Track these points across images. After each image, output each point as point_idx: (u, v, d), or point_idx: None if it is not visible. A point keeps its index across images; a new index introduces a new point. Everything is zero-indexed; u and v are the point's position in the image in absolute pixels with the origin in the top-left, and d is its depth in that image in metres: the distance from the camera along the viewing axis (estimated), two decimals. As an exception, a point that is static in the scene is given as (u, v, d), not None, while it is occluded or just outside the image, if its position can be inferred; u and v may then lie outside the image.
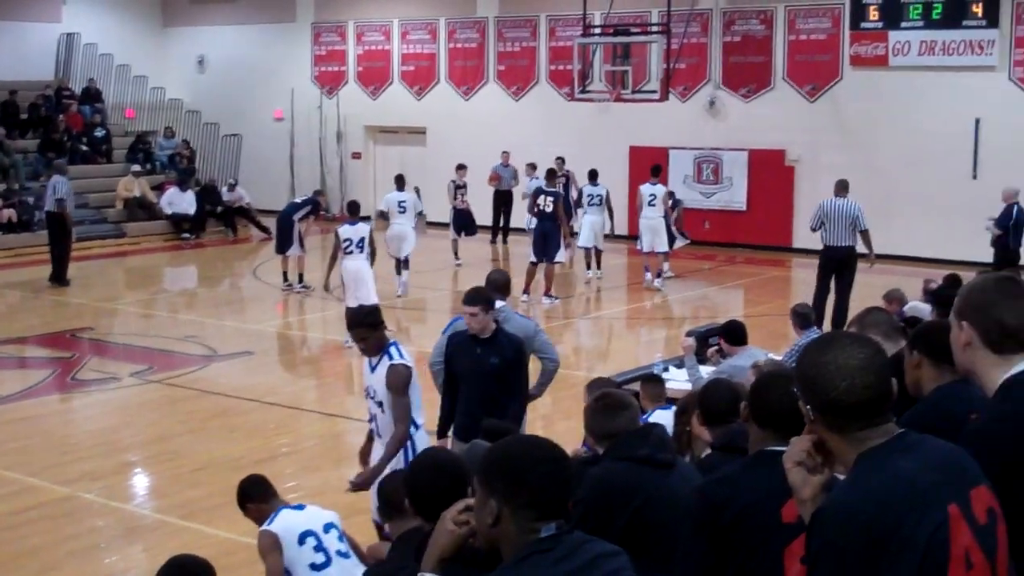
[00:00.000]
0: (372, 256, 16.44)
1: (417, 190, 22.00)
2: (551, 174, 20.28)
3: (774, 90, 25.78)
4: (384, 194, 21.48)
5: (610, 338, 18.00)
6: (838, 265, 16.50)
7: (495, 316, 8.35)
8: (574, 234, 22.03)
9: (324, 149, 31.78)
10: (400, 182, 20.55)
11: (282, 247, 20.47)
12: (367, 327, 7.73)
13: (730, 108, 26.22)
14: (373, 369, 7.78)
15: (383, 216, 20.58)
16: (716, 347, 10.71)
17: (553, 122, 27.88)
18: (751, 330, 10.74)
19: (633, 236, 23.13)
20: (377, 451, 7.87)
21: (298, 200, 21.58)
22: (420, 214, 20.94)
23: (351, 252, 16.25)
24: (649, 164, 22.66)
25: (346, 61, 31.65)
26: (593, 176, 22.42)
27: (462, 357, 8.27)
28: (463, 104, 29.63)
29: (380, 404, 7.76)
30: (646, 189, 21.49)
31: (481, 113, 29.13)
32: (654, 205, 21.25)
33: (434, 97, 30.15)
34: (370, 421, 8.01)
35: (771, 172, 25.58)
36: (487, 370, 8.14)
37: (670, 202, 21.59)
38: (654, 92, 24.06)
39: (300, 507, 6.61)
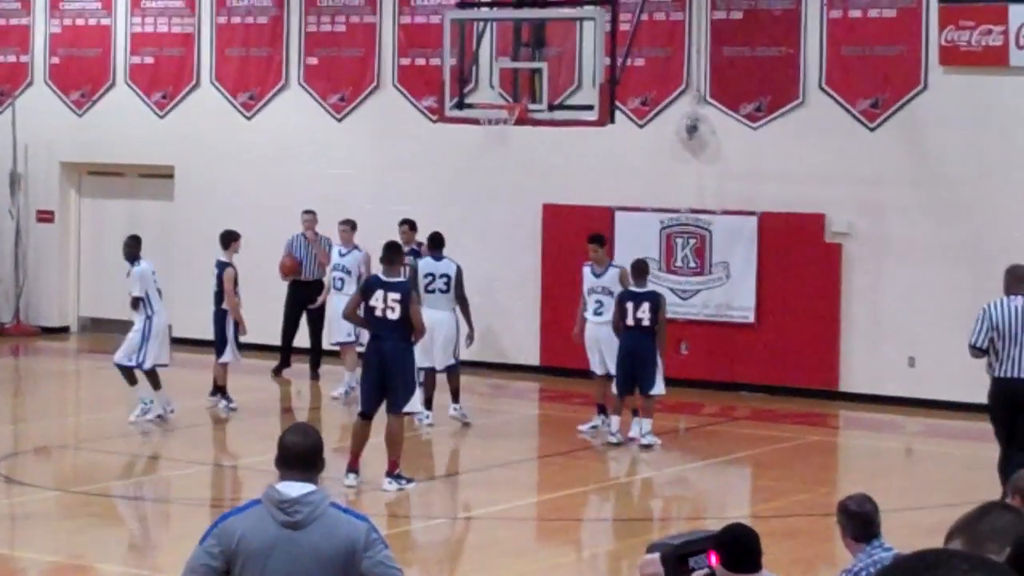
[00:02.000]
0: None
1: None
2: (392, 253, 20.02)
3: (804, 107, 26.18)
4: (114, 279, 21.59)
5: (506, 555, 17.81)
6: (1014, 407, 17.31)
7: (302, 512, 8.74)
8: None
9: (-14, 203, 31.80)
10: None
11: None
12: None
13: (726, 138, 26.57)
14: None
15: (137, 305, 22.63)
16: (705, 573, 10.58)
17: (405, 158, 28.09)
18: (768, 543, 10.48)
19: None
20: None
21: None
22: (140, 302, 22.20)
23: None
24: (583, 232, 23.34)
25: (29, 46, 31.78)
26: (436, 243, 23.04)
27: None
28: (243, 124, 29.88)
29: None
30: (591, 274, 22.46)
31: (275, 141, 29.32)
32: (606, 299, 22.18)
33: (190, 112, 30.35)
34: None
35: (801, 253, 25.89)
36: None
37: (644, 306, 21.51)
38: (589, 109, 24.09)
39: None
